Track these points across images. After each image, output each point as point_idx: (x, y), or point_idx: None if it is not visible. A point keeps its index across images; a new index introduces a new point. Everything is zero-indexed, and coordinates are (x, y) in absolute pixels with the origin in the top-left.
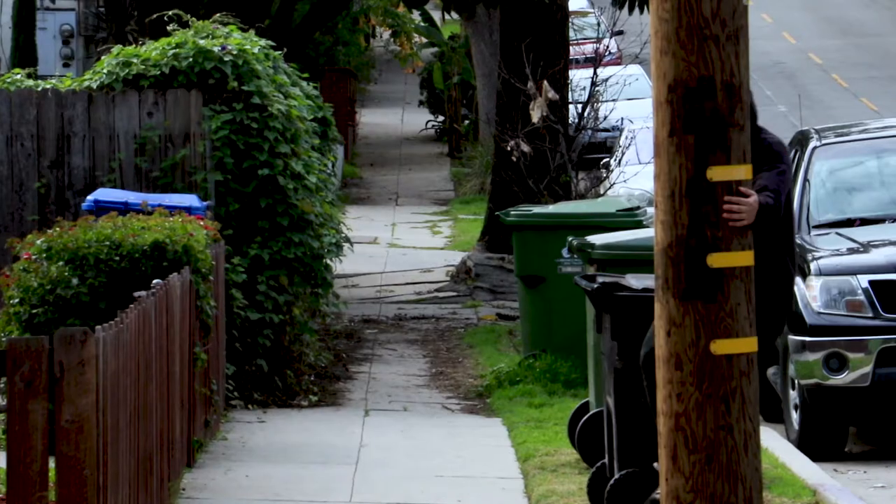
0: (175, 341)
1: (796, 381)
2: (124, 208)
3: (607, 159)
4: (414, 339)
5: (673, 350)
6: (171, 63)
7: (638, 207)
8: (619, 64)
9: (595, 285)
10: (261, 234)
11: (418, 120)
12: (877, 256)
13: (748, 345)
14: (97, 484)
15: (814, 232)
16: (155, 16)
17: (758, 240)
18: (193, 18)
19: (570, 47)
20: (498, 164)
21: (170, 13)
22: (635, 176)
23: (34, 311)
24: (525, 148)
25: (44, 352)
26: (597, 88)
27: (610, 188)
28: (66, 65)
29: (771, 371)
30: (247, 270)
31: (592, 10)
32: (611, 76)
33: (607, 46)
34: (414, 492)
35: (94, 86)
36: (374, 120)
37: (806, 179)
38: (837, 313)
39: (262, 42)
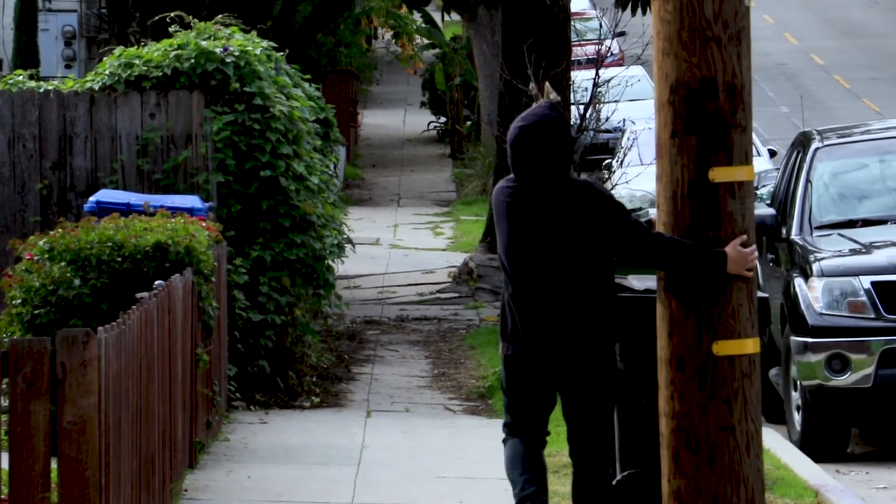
0: (177, 342)
1: (798, 383)
2: (126, 209)
3: (609, 161)
4: (416, 341)
5: (675, 351)
6: (173, 64)
7: (640, 209)
8: (620, 65)
9: None
10: (263, 236)
11: (420, 121)
12: (879, 257)
13: (750, 346)
14: (99, 485)
15: (816, 233)
16: (157, 17)
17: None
18: (195, 20)
19: (572, 48)
20: (500, 166)
21: (172, 14)
22: (637, 177)
23: (36, 311)
24: None
25: (46, 353)
26: (599, 90)
27: (612, 189)
28: (67, 66)
29: (773, 372)
30: (249, 272)
31: (594, 14)
32: (612, 77)
33: (609, 48)
34: (416, 493)
35: (96, 87)
36: (375, 121)
37: (808, 181)
38: (839, 314)
39: (265, 43)
